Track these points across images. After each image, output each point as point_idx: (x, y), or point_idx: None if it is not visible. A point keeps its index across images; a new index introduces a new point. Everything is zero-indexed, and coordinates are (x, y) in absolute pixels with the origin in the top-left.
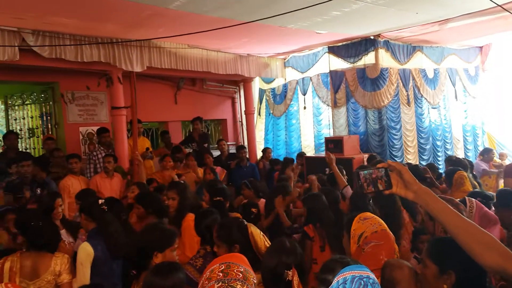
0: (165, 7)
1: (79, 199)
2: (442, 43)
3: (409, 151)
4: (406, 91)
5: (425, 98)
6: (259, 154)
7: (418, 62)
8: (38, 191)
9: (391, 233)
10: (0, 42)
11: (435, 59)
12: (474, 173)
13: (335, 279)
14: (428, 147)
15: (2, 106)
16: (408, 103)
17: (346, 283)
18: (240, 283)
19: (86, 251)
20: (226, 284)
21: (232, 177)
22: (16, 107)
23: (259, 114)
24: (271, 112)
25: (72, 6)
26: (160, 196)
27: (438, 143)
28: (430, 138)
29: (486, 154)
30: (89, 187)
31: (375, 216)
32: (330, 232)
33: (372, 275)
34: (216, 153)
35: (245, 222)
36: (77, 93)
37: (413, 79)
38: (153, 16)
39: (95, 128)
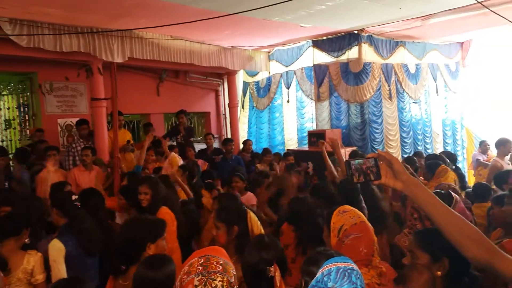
0: None
1: (50, 193)
2: (424, 39)
3: (391, 144)
4: (389, 85)
5: (407, 93)
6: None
7: (400, 57)
8: (6, 184)
9: (370, 225)
10: None
11: (417, 54)
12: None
13: (320, 270)
14: (409, 141)
15: None
16: (390, 97)
17: (330, 275)
18: (220, 275)
19: (56, 248)
20: (206, 277)
21: (218, 170)
22: None
23: (243, 107)
24: (255, 105)
25: None
26: None
27: (419, 137)
28: (411, 132)
29: (482, 145)
30: (67, 180)
31: (354, 209)
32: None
33: (355, 267)
34: (201, 146)
35: (245, 207)
36: (55, 84)
37: (396, 74)
38: (136, 6)
39: (74, 120)
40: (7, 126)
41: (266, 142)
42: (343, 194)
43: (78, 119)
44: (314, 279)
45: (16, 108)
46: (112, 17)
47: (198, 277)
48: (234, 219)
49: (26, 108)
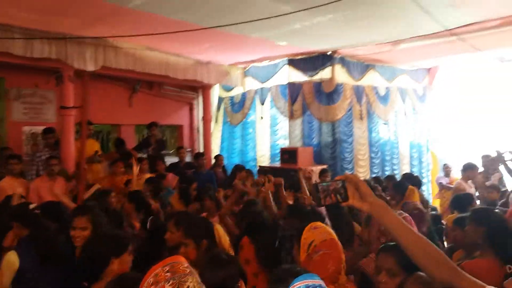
0: (124, 5)
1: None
2: (393, 63)
3: (360, 164)
4: (360, 106)
5: (377, 114)
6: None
7: (371, 79)
8: None
9: (339, 242)
10: None
11: (387, 78)
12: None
13: None
14: (378, 161)
15: None
16: (361, 118)
17: None
18: (190, 277)
19: (9, 260)
20: (177, 281)
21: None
22: None
23: (216, 121)
24: (228, 120)
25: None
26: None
27: (387, 157)
28: (380, 153)
29: (444, 168)
30: (29, 191)
31: (325, 226)
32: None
33: (323, 283)
34: (173, 159)
35: (210, 220)
36: (23, 90)
37: (366, 95)
38: (112, 13)
39: (40, 128)
40: None
41: (239, 157)
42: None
43: (44, 127)
44: None
45: None
46: (86, 23)
47: (168, 282)
48: (202, 234)
49: None
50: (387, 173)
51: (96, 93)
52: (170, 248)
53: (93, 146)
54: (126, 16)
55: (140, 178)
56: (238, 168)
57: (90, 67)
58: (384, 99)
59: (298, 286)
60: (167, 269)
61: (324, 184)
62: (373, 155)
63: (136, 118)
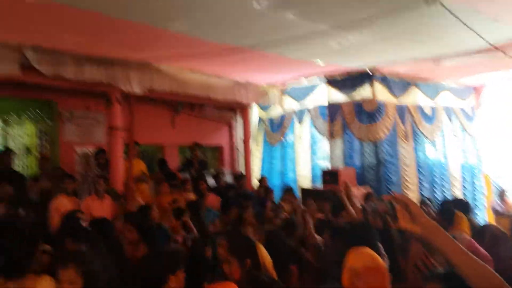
0: (166, 28)
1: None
2: (436, 80)
3: (408, 187)
4: (404, 125)
5: (423, 134)
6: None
7: (413, 97)
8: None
9: (386, 270)
10: (0, 57)
11: (430, 95)
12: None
13: None
14: (427, 184)
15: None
16: (406, 137)
17: None
18: None
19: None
20: None
21: (229, 205)
22: (14, 125)
23: (256, 142)
24: (268, 140)
25: (76, 25)
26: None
27: (437, 180)
28: (429, 175)
29: (499, 194)
30: (81, 209)
31: (372, 252)
32: None
33: None
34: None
35: (253, 240)
36: (75, 113)
37: (410, 114)
38: (156, 39)
39: (92, 149)
40: (27, 153)
41: (279, 178)
42: (357, 236)
43: (95, 147)
44: None
45: (36, 135)
46: (132, 49)
47: None
48: (246, 253)
49: (45, 135)
50: (437, 197)
51: (141, 115)
52: (213, 266)
53: (139, 166)
54: (170, 40)
55: (184, 198)
56: (287, 189)
57: (137, 90)
58: (430, 118)
59: None
60: None
61: (372, 205)
62: (421, 177)
63: (178, 139)
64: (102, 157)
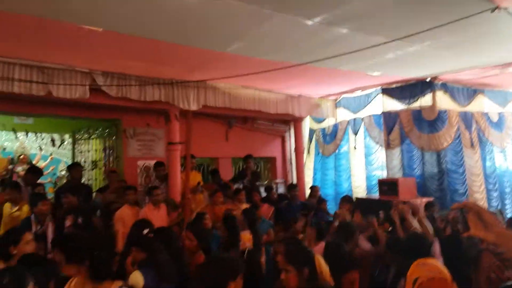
0: (222, 51)
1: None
2: (505, 87)
3: (476, 197)
4: (469, 133)
5: (491, 142)
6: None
7: (479, 105)
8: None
9: (453, 283)
10: (73, 82)
11: (499, 103)
12: None
13: None
14: (496, 194)
15: (70, 140)
16: (472, 146)
17: None
18: None
19: (136, 278)
20: None
21: (282, 215)
22: (82, 141)
23: (308, 152)
24: (320, 151)
25: (141, 52)
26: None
27: (507, 190)
28: (497, 184)
29: None
30: (140, 217)
31: (438, 264)
32: None
33: None
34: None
35: (311, 249)
36: (137, 129)
37: (476, 122)
38: (211, 59)
39: (152, 162)
40: (93, 167)
41: (332, 188)
42: (410, 247)
43: (155, 161)
44: None
45: (102, 150)
46: (189, 69)
47: None
48: (304, 262)
49: (110, 151)
50: (508, 207)
51: (197, 130)
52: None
53: (196, 177)
54: (226, 61)
55: (238, 208)
56: (345, 199)
57: (193, 107)
58: (498, 125)
59: None
60: None
61: (442, 213)
62: (489, 186)
63: (232, 151)
64: (161, 170)
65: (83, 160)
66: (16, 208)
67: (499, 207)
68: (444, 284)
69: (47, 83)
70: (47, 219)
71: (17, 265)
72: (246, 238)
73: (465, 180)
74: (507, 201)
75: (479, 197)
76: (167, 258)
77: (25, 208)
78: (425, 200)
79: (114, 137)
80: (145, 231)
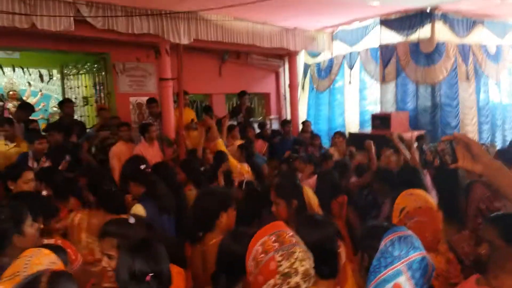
0: None
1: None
2: (504, 18)
3: (468, 130)
4: (466, 66)
5: (487, 74)
6: None
7: (478, 36)
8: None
9: (439, 212)
10: (57, 13)
11: (498, 34)
12: None
13: (382, 242)
14: (487, 126)
15: (59, 75)
16: (468, 78)
17: (394, 244)
18: (297, 247)
19: (138, 211)
20: (286, 252)
21: (275, 150)
22: (71, 77)
23: (303, 88)
24: (315, 87)
25: None
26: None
27: (498, 122)
28: (490, 117)
29: None
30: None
31: (425, 194)
32: None
33: (414, 234)
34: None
35: (299, 182)
36: (127, 64)
37: (473, 54)
38: None
39: (144, 99)
40: (85, 103)
41: (326, 124)
42: (402, 178)
43: (147, 97)
44: (378, 251)
45: (92, 86)
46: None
47: (278, 253)
48: (292, 194)
49: (101, 87)
50: (498, 140)
51: (189, 65)
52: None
53: (189, 114)
54: None
55: (232, 144)
56: (338, 134)
57: (184, 41)
58: (495, 57)
59: (390, 239)
60: (274, 238)
61: (430, 145)
62: (482, 119)
63: (225, 87)
64: (154, 106)
65: (73, 96)
66: (13, 144)
67: (489, 140)
68: (430, 213)
69: (31, 14)
70: (43, 156)
71: (14, 200)
72: (244, 170)
73: (458, 113)
74: (497, 134)
75: (471, 129)
76: (166, 191)
77: (23, 144)
78: (416, 133)
79: (103, 73)
80: (142, 166)
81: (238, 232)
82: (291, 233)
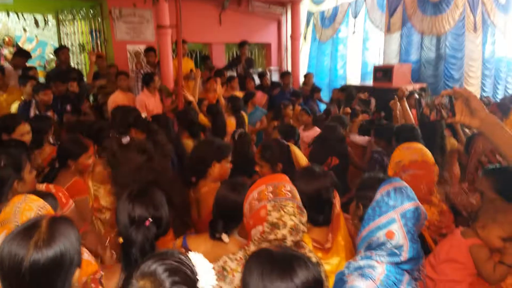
0: None
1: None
2: None
3: (470, 82)
4: (474, 16)
5: (495, 25)
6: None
7: None
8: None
9: (435, 166)
10: None
11: None
12: None
13: (378, 193)
14: (491, 80)
15: (54, 21)
16: (475, 29)
17: (389, 195)
18: (291, 202)
19: None
20: (278, 203)
21: (274, 102)
22: (67, 23)
23: (305, 38)
24: (318, 36)
25: None
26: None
27: (502, 75)
28: (493, 70)
29: None
30: (137, 105)
31: (421, 147)
32: None
33: (407, 185)
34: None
35: (286, 142)
36: (124, 10)
37: (483, 3)
38: None
39: (142, 47)
40: (81, 50)
41: (327, 75)
42: (397, 136)
43: (145, 46)
44: (374, 201)
45: (88, 33)
46: None
47: (270, 203)
48: (276, 158)
49: (98, 34)
50: (499, 93)
51: (188, 12)
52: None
53: (188, 64)
54: None
55: (229, 95)
56: (340, 89)
57: None
58: (505, 7)
59: (386, 189)
60: (271, 189)
61: (428, 98)
62: (486, 72)
63: (225, 36)
64: (152, 55)
65: (69, 43)
66: (5, 94)
67: (491, 94)
68: (426, 166)
69: None
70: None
71: (13, 148)
72: (230, 123)
73: (463, 66)
74: (499, 86)
75: (474, 82)
76: (165, 138)
77: (17, 92)
78: (418, 86)
79: (99, 19)
80: (144, 115)
81: (234, 182)
82: (289, 188)
